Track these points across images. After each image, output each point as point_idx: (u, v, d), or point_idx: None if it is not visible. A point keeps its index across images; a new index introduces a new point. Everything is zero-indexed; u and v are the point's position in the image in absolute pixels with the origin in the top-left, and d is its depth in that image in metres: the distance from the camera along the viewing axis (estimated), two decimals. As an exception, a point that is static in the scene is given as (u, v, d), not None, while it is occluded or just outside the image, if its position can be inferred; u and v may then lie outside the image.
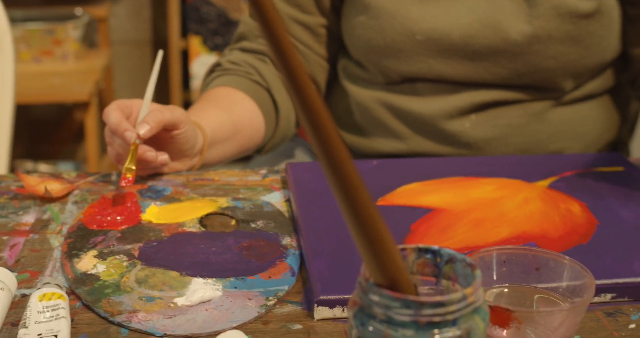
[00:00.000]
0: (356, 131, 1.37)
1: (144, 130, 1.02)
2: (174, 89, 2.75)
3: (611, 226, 0.98)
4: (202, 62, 2.68)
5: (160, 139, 1.08)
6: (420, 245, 0.63)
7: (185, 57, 2.77)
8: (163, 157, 1.08)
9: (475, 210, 1.00)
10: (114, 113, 1.04)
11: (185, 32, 2.74)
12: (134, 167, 1.03)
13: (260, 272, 0.88)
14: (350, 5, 1.31)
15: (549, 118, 1.30)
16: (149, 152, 1.05)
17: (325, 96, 1.44)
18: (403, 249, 0.63)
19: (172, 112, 1.05)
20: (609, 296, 0.87)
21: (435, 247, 0.63)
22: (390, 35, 1.26)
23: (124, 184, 1.02)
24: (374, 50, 1.28)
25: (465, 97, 1.28)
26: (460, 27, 1.24)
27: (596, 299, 0.86)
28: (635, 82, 1.36)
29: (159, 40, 2.91)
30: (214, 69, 1.34)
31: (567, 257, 0.73)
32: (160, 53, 1.16)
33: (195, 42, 2.66)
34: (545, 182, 1.09)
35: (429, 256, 0.63)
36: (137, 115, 1.07)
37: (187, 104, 2.81)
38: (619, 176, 1.12)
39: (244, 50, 1.35)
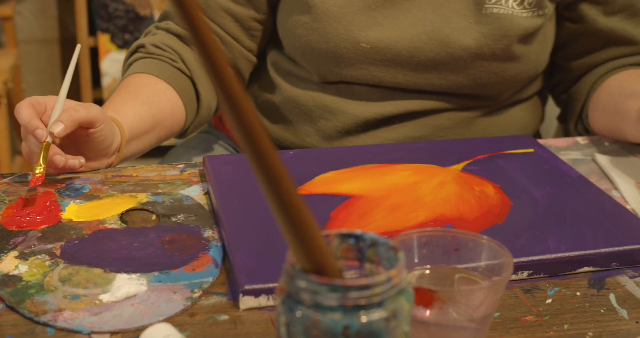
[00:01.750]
0: (280, 123, 1.37)
1: (58, 129, 1.01)
2: (84, 87, 2.72)
3: (524, 206, 1.01)
4: (112, 59, 2.65)
5: (76, 137, 1.07)
6: (343, 231, 0.65)
7: (94, 54, 2.74)
8: (73, 161, 1.06)
9: (392, 195, 1.02)
10: (25, 110, 1.03)
11: (93, 30, 2.71)
12: (43, 165, 1.01)
13: (184, 265, 0.89)
14: (290, 2, 1.29)
15: (475, 123, 1.33)
16: (58, 156, 1.03)
17: (247, 86, 1.43)
18: (327, 235, 0.64)
19: (87, 110, 1.04)
20: (525, 273, 0.89)
21: (358, 231, 0.64)
22: (334, 40, 1.25)
23: (33, 183, 1.00)
24: (314, 52, 1.27)
25: (400, 104, 1.30)
26: (407, 38, 1.24)
27: (513, 277, 0.89)
28: (557, 88, 1.44)
29: (67, 39, 2.87)
30: (137, 49, 1.31)
31: (485, 237, 0.75)
32: (78, 47, 1.14)
33: (104, 40, 2.64)
34: (459, 166, 1.11)
35: (352, 241, 0.65)
36: (51, 113, 1.06)
37: (98, 102, 2.78)
38: (530, 157, 1.15)
39: (169, 31, 1.32)
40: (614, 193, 1.12)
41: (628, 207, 1.08)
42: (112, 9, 2.62)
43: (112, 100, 1.19)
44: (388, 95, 1.30)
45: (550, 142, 1.27)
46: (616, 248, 0.92)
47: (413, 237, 0.76)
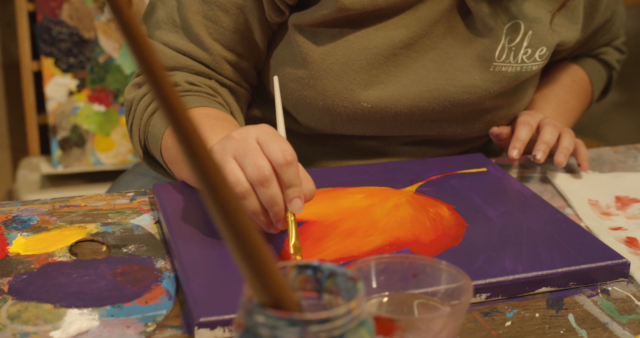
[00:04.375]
0: None
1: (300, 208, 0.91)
2: (29, 112, 2.67)
3: (480, 227, 1.00)
4: (56, 83, 2.61)
5: None
6: (301, 262, 0.63)
7: (39, 79, 2.70)
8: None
9: (346, 219, 1.01)
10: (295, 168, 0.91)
11: (37, 54, 2.67)
12: (298, 244, 0.91)
13: (137, 297, 0.87)
14: (283, 52, 1.22)
15: None
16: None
17: None
18: (283, 267, 0.63)
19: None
20: (484, 296, 0.88)
21: (316, 262, 0.63)
22: (332, 98, 1.18)
23: None
24: (308, 107, 1.21)
25: (385, 159, 1.28)
26: (409, 97, 1.19)
27: (472, 300, 0.88)
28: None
29: (10, 63, 2.83)
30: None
31: (443, 262, 0.74)
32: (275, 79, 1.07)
33: (48, 64, 2.60)
34: (412, 188, 1.10)
35: (309, 272, 0.64)
36: None
37: (43, 127, 2.74)
38: (483, 177, 1.15)
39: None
40: (568, 211, 1.12)
41: (582, 224, 1.08)
42: (55, 33, 2.58)
43: (216, 132, 1.06)
44: (376, 150, 1.28)
45: (502, 160, 1.27)
46: (573, 268, 0.92)
47: (370, 265, 0.74)
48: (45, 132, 2.76)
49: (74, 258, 0.95)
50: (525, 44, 1.20)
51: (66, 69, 2.63)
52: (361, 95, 1.18)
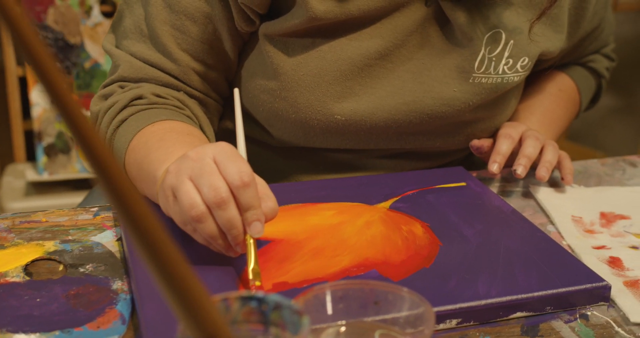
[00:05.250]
0: None
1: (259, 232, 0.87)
2: (14, 118, 2.63)
3: (454, 246, 0.96)
4: (41, 89, 2.57)
5: None
6: (244, 293, 0.59)
7: (24, 85, 2.66)
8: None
9: (314, 238, 0.96)
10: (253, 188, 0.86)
11: (22, 59, 2.63)
12: (258, 271, 0.85)
13: (88, 322, 0.82)
14: (254, 62, 1.17)
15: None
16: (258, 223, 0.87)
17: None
18: (225, 299, 0.58)
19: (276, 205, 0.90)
20: (454, 322, 0.84)
21: (260, 294, 0.59)
22: (304, 111, 1.13)
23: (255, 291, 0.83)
24: (280, 119, 1.16)
25: (360, 173, 1.24)
26: (385, 110, 1.15)
27: (441, 326, 0.83)
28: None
29: (-5, 68, 2.80)
30: (129, 103, 1.12)
31: (405, 289, 0.70)
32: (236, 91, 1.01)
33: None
34: (387, 204, 1.06)
35: (254, 304, 0.59)
36: None
37: (29, 133, 2.70)
38: (462, 192, 1.11)
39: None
40: (549, 228, 1.07)
41: (564, 243, 1.03)
42: (40, 38, 2.54)
43: (179, 148, 1.01)
44: (352, 162, 1.23)
45: (484, 173, 1.23)
46: (550, 291, 0.87)
47: (327, 292, 0.70)
48: (30, 138, 2.72)
49: (28, 278, 0.91)
50: (506, 54, 1.15)
51: (52, 75, 2.59)
52: (334, 107, 1.13)
